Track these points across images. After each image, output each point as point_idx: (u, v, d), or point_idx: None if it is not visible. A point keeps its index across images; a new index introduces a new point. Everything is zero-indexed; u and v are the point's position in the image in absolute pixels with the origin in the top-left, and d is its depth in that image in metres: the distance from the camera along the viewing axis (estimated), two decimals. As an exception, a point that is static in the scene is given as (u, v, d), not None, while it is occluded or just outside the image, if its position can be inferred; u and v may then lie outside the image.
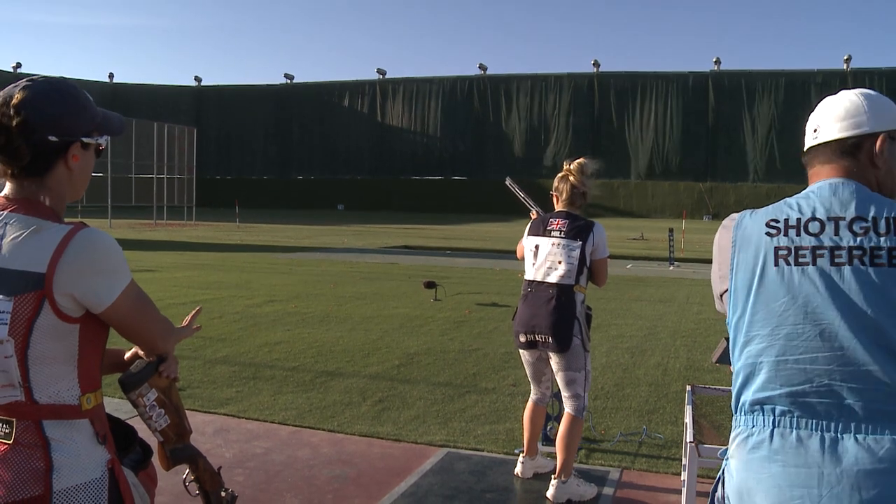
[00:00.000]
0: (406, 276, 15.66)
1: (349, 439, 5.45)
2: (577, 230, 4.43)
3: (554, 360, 4.48)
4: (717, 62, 61.80)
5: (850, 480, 1.60)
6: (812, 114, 1.95)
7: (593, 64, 63.92)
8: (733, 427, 1.84)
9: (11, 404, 1.72)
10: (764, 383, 1.74)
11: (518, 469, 4.80)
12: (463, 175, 66.04)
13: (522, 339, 4.51)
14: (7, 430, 1.72)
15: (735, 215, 1.90)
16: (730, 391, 1.88)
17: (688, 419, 3.95)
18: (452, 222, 43.25)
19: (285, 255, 20.80)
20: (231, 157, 71.39)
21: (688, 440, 3.65)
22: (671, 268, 19.24)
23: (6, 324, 1.67)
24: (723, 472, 1.86)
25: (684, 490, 3.70)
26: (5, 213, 1.75)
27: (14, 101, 1.74)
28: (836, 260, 1.70)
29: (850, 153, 1.85)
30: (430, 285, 12.46)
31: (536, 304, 4.44)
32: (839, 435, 1.65)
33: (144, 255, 18.87)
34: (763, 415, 1.74)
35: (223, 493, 2.13)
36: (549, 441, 5.15)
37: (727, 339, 1.97)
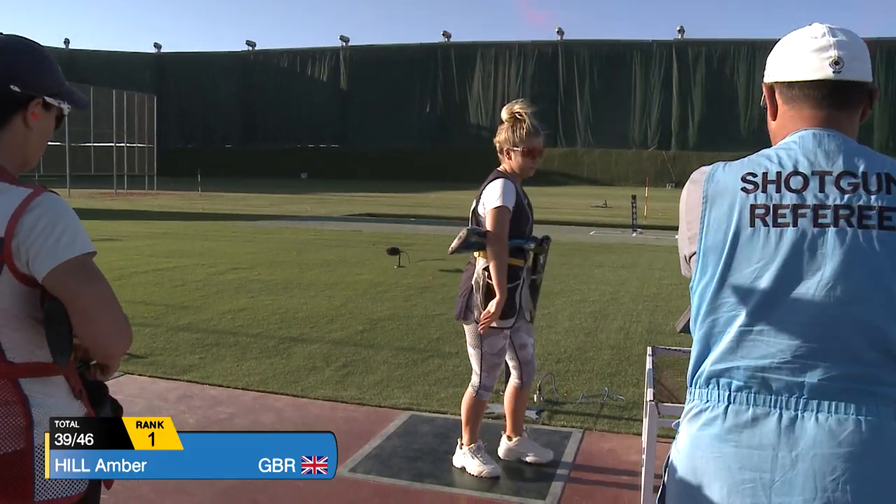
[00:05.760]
0: (370, 244, 15.63)
1: (313, 403, 5.45)
2: (480, 192, 4.19)
3: None
4: (681, 31, 62.05)
5: (804, 465, 1.48)
6: (818, 36, 1.61)
7: (557, 32, 63.85)
8: (687, 400, 1.70)
9: None
10: (723, 354, 1.59)
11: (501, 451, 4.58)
12: (426, 143, 65.82)
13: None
14: None
15: (705, 168, 1.67)
16: (689, 352, 1.77)
17: (648, 379, 4.00)
18: (416, 190, 43.14)
19: (248, 223, 20.63)
20: (193, 126, 70.48)
21: (648, 399, 3.70)
22: (634, 234, 19.41)
23: None
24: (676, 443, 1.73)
25: (644, 448, 3.76)
26: None
27: None
28: (820, 220, 1.51)
29: (854, 102, 1.63)
30: (394, 252, 12.46)
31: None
32: (799, 414, 1.51)
33: (105, 225, 18.59)
34: (718, 389, 1.59)
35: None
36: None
37: None
